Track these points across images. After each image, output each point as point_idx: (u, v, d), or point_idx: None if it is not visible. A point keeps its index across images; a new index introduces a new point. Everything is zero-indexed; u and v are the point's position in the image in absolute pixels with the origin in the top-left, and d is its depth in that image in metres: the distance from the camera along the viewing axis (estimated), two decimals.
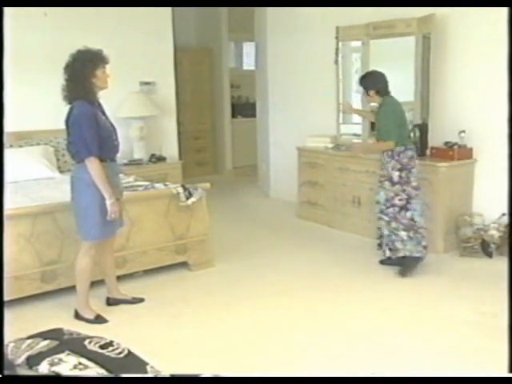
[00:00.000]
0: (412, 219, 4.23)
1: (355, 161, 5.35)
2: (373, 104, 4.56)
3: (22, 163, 4.94)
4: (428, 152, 4.94)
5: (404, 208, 4.23)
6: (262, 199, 7.18)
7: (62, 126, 3.48)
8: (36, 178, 4.91)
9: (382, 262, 4.51)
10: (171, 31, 6.45)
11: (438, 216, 4.74)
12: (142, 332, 3.41)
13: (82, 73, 3.32)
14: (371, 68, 5.41)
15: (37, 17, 5.29)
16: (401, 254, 4.27)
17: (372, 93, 4.30)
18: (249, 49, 9.31)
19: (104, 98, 3.54)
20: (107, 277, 3.83)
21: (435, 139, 4.95)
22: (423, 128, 4.96)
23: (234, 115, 9.01)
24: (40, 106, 5.36)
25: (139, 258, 4.19)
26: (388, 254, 4.36)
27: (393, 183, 4.25)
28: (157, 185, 4.49)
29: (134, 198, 4.15)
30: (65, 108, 3.42)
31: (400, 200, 4.23)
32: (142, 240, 4.17)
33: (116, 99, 5.69)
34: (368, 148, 4.54)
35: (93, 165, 3.33)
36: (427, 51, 4.91)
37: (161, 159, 6.08)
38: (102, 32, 5.61)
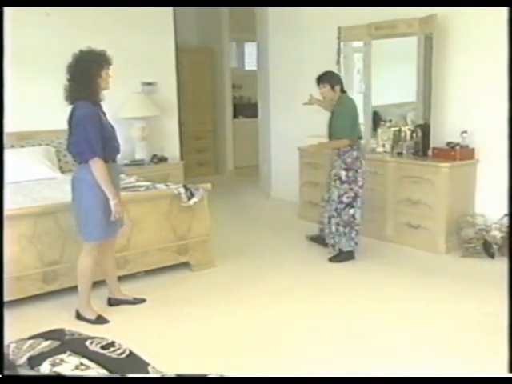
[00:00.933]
0: (353, 216, 4.55)
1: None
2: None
3: (24, 163, 4.95)
4: (430, 152, 4.94)
5: (349, 205, 4.54)
6: (263, 199, 7.18)
7: (64, 126, 3.48)
8: (38, 178, 4.91)
9: (311, 238, 5.07)
10: (173, 31, 6.46)
11: (439, 217, 4.74)
12: (144, 332, 3.41)
13: (88, 73, 3.32)
14: (373, 68, 5.47)
15: (39, 16, 5.30)
16: (336, 247, 4.64)
17: (337, 88, 4.53)
18: (250, 49, 9.31)
19: (105, 98, 3.53)
20: (108, 277, 3.83)
21: (437, 139, 4.95)
22: (425, 128, 4.96)
23: (235, 115, 9.02)
24: (42, 106, 5.37)
25: (141, 258, 4.19)
26: (331, 242, 4.67)
27: (342, 182, 4.51)
28: (158, 185, 4.49)
29: (135, 198, 4.16)
30: (67, 108, 3.42)
31: (347, 198, 4.52)
32: (144, 240, 4.17)
33: (117, 99, 5.68)
34: (323, 145, 4.66)
35: (97, 165, 3.33)
36: (429, 51, 4.91)
37: (162, 160, 6.08)
38: (104, 32, 5.62)
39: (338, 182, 4.55)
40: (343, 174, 4.51)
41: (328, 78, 4.54)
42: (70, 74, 3.36)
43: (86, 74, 3.32)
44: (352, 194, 4.52)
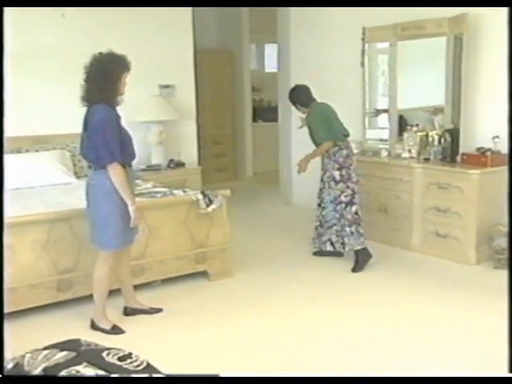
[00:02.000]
0: (356, 213, 4.67)
1: (381, 167, 5.32)
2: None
3: (38, 168, 4.99)
4: (459, 158, 4.89)
5: (350, 203, 4.66)
6: (283, 207, 7.17)
7: (79, 130, 3.49)
8: (52, 183, 4.94)
9: (315, 254, 5.01)
10: (191, 33, 6.47)
11: (469, 226, 4.68)
12: (160, 343, 3.42)
13: (110, 76, 3.34)
14: (399, 70, 5.44)
15: (54, 17, 5.35)
16: (347, 249, 4.71)
17: (299, 106, 4.81)
18: (271, 50, 9.30)
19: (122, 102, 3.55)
20: (124, 286, 3.85)
21: (467, 145, 4.90)
22: (454, 133, 4.91)
23: (255, 119, 9.01)
24: (56, 109, 5.42)
25: (157, 266, 4.20)
26: (341, 249, 4.78)
27: (336, 182, 4.66)
28: (176, 191, 4.49)
29: (152, 204, 4.17)
30: (82, 111, 3.43)
31: (345, 196, 4.65)
32: (161, 248, 4.18)
33: (134, 103, 5.68)
34: (311, 154, 4.79)
35: (116, 171, 3.34)
36: (459, 52, 4.88)
37: (179, 165, 6.09)
38: (120, 33, 5.66)
39: (332, 182, 4.68)
40: (337, 173, 4.67)
41: (294, 98, 4.80)
42: (89, 74, 3.36)
43: (107, 76, 3.33)
44: (349, 192, 4.65)
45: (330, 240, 4.84)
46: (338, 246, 4.82)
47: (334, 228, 4.78)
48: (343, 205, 4.67)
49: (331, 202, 4.72)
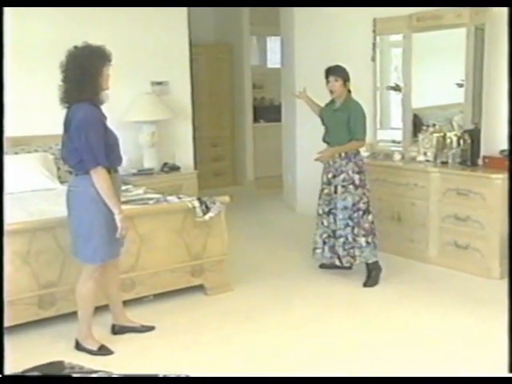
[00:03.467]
0: (372, 222, 4.67)
1: (394, 172, 5.30)
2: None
3: (19, 172, 4.95)
4: (480, 161, 4.87)
5: (367, 211, 4.64)
6: (287, 214, 7.17)
7: (62, 131, 3.46)
8: (34, 189, 4.92)
9: (321, 266, 4.97)
10: (186, 25, 6.47)
11: (492, 236, 4.65)
12: (153, 365, 3.38)
13: (89, 71, 3.32)
14: (414, 65, 5.41)
15: (34, 12, 5.31)
16: (357, 262, 4.65)
17: (348, 85, 4.62)
18: (273, 44, 9.32)
19: (110, 99, 3.53)
20: (111, 301, 3.82)
21: (489, 147, 4.88)
22: (475, 134, 4.89)
23: (256, 119, 9.02)
24: (38, 108, 5.38)
25: (149, 280, 4.18)
26: (351, 262, 4.67)
27: (356, 186, 4.61)
28: (170, 198, 4.49)
29: (144, 212, 4.16)
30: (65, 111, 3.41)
31: (363, 203, 4.63)
32: (153, 260, 4.16)
33: (124, 101, 5.71)
34: (340, 148, 4.65)
35: (101, 176, 3.32)
36: (480, 45, 4.87)
37: (174, 169, 6.08)
38: (108, 27, 5.66)
39: (351, 186, 4.60)
40: (357, 177, 4.61)
41: (342, 72, 4.62)
42: (67, 72, 3.35)
43: (86, 72, 3.31)
44: (366, 199, 4.64)
45: (336, 253, 4.70)
46: (346, 261, 4.66)
47: (342, 240, 4.65)
48: (361, 212, 4.60)
49: (346, 208, 4.60)
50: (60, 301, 3.81)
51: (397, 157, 5.49)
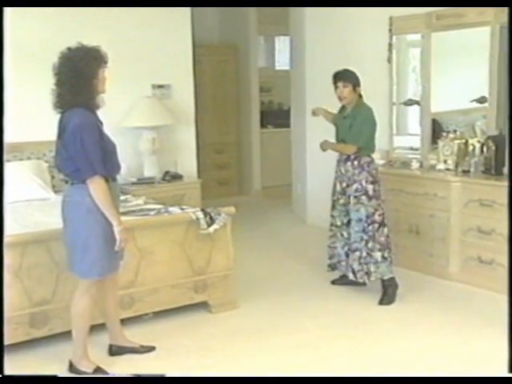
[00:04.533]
0: (388, 236, 4.66)
1: (412, 181, 5.27)
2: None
3: (10, 181, 4.91)
4: (505, 170, 4.81)
5: (382, 224, 4.63)
6: (296, 226, 7.17)
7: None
8: (26, 199, 4.92)
9: (333, 282, 5.00)
10: (189, 24, 6.48)
11: None
12: None
13: (83, 73, 3.31)
14: (433, 67, 5.39)
15: (26, 10, 5.30)
16: (372, 278, 4.62)
17: (359, 90, 4.64)
18: (282, 44, 9.33)
19: (108, 103, 3.51)
20: (109, 320, 3.80)
21: None
22: (499, 140, 4.84)
23: (263, 125, 9.05)
24: (32, 112, 5.38)
25: (149, 296, 4.17)
26: (365, 279, 4.64)
27: (369, 197, 4.60)
28: (171, 208, 4.49)
29: (144, 224, 4.15)
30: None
31: (379, 215, 4.62)
32: (154, 275, 4.15)
33: (123, 105, 5.70)
34: (332, 146, 4.78)
35: (98, 185, 3.31)
36: (505, 45, 4.81)
37: (176, 177, 6.08)
38: (105, 25, 5.66)
39: (364, 197, 4.59)
40: (370, 187, 4.60)
41: (351, 77, 4.63)
42: (60, 75, 3.34)
43: (80, 75, 3.30)
44: (381, 211, 4.63)
45: (351, 267, 4.69)
46: (360, 276, 4.65)
47: (357, 254, 4.64)
48: (376, 225, 4.59)
49: (360, 220, 4.59)
50: (53, 319, 3.79)
51: (415, 165, 5.47)
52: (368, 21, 6.03)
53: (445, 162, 5.25)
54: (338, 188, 4.75)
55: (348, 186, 4.65)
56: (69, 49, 3.35)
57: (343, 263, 4.81)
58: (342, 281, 4.91)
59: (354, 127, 4.60)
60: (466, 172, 5.06)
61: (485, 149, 4.95)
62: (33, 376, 1.80)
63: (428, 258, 5.16)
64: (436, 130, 5.56)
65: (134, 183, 5.73)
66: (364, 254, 4.60)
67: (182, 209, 4.48)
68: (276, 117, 9.21)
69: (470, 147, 5.13)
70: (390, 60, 5.73)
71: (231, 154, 8.86)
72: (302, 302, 4.68)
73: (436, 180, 5.11)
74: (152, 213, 4.40)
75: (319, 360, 3.72)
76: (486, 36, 4.93)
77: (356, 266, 4.62)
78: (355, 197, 4.60)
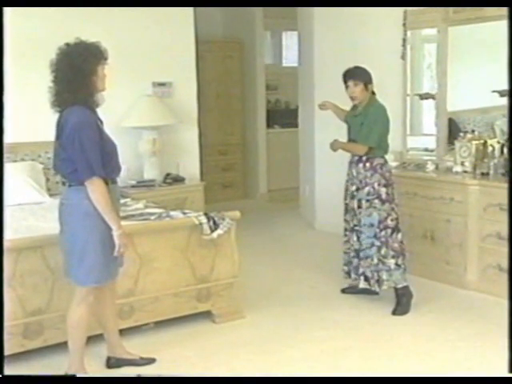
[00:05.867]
0: (402, 242, 4.64)
1: (427, 184, 5.26)
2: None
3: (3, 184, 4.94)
4: None
5: (396, 229, 4.62)
6: (304, 231, 7.18)
7: (54, 137, 3.45)
8: (20, 202, 4.92)
9: (344, 291, 5.01)
10: (192, 19, 6.50)
11: None
12: None
13: (82, 70, 3.31)
14: (449, 63, 5.37)
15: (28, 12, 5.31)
16: (384, 287, 4.61)
17: (371, 88, 4.63)
18: (290, 40, 9.33)
19: (106, 102, 3.51)
20: (107, 330, 3.79)
21: None
22: None
23: (269, 125, 9.06)
24: (26, 112, 5.39)
25: (150, 305, 4.16)
26: (376, 287, 4.64)
27: (382, 201, 4.59)
28: (173, 213, 4.49)
29: (144, 229, 4.15)
30: (57, 115, 3.41)
31: (392, 220, 4.60)
32: (154, 283, 4.15)
33: (122, 104, 5.70)
34: (342, 146, 4.78)
35: (97, 188, 3.30)
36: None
37: (178, 180, 6.10)
38: (104, 21, 5.66)
39: (376, 201, 4.58)
40: (383, 191, 4.59)
41: (362, 74, 4.63)
42: (57, 72, 3.35)
43: (78, 72, 3.30)
44: (395, 216, 4.62)
45: (364, 274, 4.68)
46: (373, 283, 4.66)
47: (369, 260, 4.63)
48: (389, 230, 4.58)
49: (372, 225, 4.58)
50: (48, 330, 3.79)
51: (430, 167, 5.46)
52: (381, 15, 6.02)
53: (462, 164, 5.25)
54: (350, 191, 4.75)
55: (359, 189, 4.65)
56: (67, 44, 3.36)
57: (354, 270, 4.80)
58: (353, 289, 4.91)
59: (365, 126, 4.60)
60: (484, 175, 5.05)
61: (505, 150, 4.95)
62: (33, 376, 1.81)
63: (444, 265, 5.15)
64: (452, 130, 5.57)
65: (133, 186, 5.74)
66: (375, 260, 4.58)
67: (184, 213, 4.47)
68: (283, 116, 9.22)
69: (489, 148, 5.13)
70: (403, 56, 5.75)
71: (236, 155, 8.87)
72: (311, 312, 4.67)
73: (453, 183, 5.10)
74: (153, 217, 4.40)
75: (329, 374, 3.68)
76: (504, 30, 4.91)
77: (369, 273, 4.62)
78: (367, 200, 4.60)
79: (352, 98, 4.66)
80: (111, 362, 3.79)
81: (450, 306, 4.74)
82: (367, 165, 4.61)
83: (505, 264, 4.73)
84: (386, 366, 3.83)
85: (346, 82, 4.63)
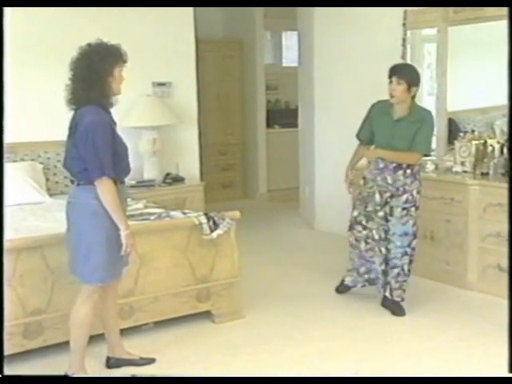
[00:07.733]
0: (414, 248, 4.59)
1: (426, 184, 5.21)
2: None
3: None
4: None
5: (415, 236, 4.58)
6: (304, 231, 7.19)
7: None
8: (20, 202, 4.92)
9: (338, 291, 5.00)
10: (192, 19, 6.50)
11: None
12: None
13: (98, 69, 3.32)
14: (449, 63, 5.37)
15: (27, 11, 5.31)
16: (398, 298, 4.58)
17: (415, 90, 4.35)
18: (290, 40, 9.32)
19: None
20: (108, 330, 3.79)
21: None
22: None
23: (269, 124, 9.05)
24: (26, 111, 5.32)
25: (150, 305, 4.17)
26: (403, 296, 4.58)
27: (417, 208, 4.53)
28: (173, 213, 4.49)
29: (144, 229, 4.14)
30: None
31: (415, 227, 4.56)
32: (154, 283, 4.15)
33: (121, 104, 5.60)
34: (387, 155, 4.41)
35: (106, 188, 3.32)
36: None
37: (178, 180, 6.11)
38: (103, 20, 5.64)
39: (413, 209, 4.50)
40: (418, 197, 4.53)
41: (408, 74, 4.37)
42: (75, 70, 3.36)
43: (94, 70, 3.31)
44: (417, 222, 4.59)
45: (389, 285, 4.56)
46: (397, 294, 4.54)
47: (396, 270, 4.53)
48: (415, 237, 4.56)
49: (406, 234, 4.48)
50: (48, 330, 3.79)
51: (429, 167, 5.44)
52: (381, 15, 6.02)
53: (462, 163, 5.25)
54: (378, 199, 4.52)
55: (393, 196, 4.47)
56: (89, 45, 3.37)
57: (380, 281, 4.66)
58: (345, 288, 4.95)
59: (424, 133, 4.39)
60: (484, 175, 5.06)
61: (505, 150, 4.95)
62: (33, 376, 1.81)
63: (444, 265, 5.15)
64: (452, 130, 5.57)
65: (133, 186, 5.71)
66: (406, 270, 4.54)
67: (184, 213, 4.48)
68: (283, 116, 9.19)
69: (489, 148, 5.13)
70: (403, 56, 5.72)
71: (236, 155, 8.87)
72: (310, 312, 4.67)
73: (452, 183, 5.10)
74: (152, 217, 4.40)
75: (328, 374, 3.69)
76: (504, 30, 4.91)
77: (394, 284, 4.54)
78: (404, 208, 4.46)
79: (391, 96, 4.38)
80: (111, 362, 3.79)
81: (449, 306, 4.74)
82: (408, 171, 4.42)
83: (505, 264, 4.75)
84: (386, 365, 3.83)
85: (390, 76, 4.36)
